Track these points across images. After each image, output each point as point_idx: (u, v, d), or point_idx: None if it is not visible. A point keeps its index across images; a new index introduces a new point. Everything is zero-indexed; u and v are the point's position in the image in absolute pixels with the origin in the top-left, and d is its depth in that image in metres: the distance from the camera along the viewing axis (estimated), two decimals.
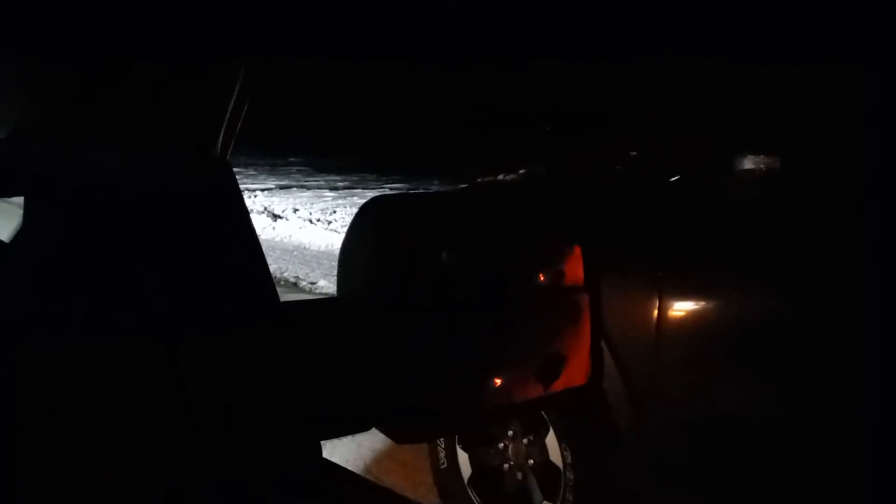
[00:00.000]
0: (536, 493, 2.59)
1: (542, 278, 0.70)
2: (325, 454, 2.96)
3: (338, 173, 15.28)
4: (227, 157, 0.74)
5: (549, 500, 2.54)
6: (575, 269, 0.71)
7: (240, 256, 0.65)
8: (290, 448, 0.60)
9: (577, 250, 0.72)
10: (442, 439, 2.81)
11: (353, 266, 0.65)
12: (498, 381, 0.68)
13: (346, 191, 13.21)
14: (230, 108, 0.72)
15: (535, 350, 0.70)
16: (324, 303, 0.68)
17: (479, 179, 3.04)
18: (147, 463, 0.54)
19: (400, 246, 0.63)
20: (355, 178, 14.57)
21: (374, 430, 0.70)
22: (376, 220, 0.65)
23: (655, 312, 2.20)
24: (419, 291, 0.63)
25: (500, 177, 2.95)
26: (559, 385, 0.71)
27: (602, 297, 2.32)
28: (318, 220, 10.02)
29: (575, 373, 0.72)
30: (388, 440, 3.67)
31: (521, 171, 2.90)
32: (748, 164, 2.00)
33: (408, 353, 0.62)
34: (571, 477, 2.42)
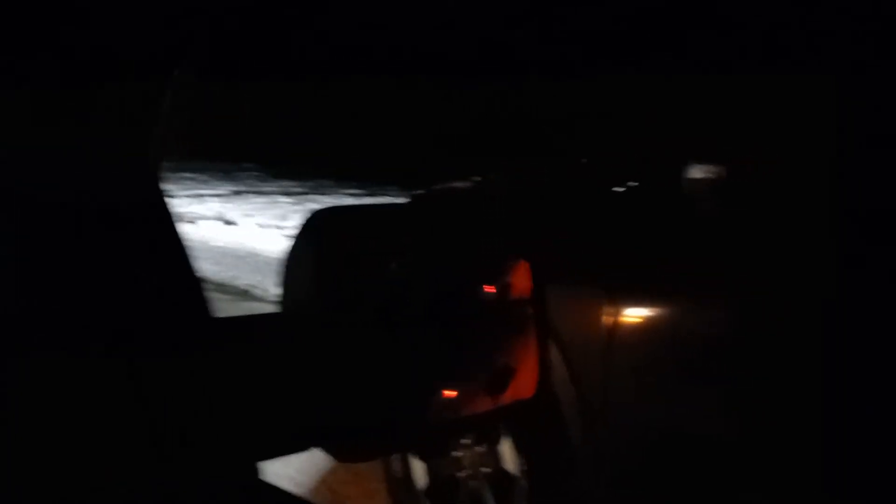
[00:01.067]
0: (491, 502, 2.59)
1: (489, 291, 0.70)
2: (279, 464, 2.91)
3: (293, 179, 15.15)
4: (159, 165, 0.71)
5: None
6: (522, 282, 0.72)
7: (172, 270, 0.64)
8: (228, 467, 0.58)
9: (524, 263, 0.72)
10: None
11: (297, 279, 0.64)
12: (446, 396, 0.67)
13: (302, 196, 13.11)
14: (161, 117, 0.69)
15: (484, 363, 0.70)
16: (265, 318, 0.66)
17: (434, 187, 3.03)
18: (112, 478, 0.53)
19: (346, 259, 0.62)
20: (311, 184, 14.47)
21: None
22: (322, 231, 0.64)
23: (608, 321, 2.22)
24: (366, 306, 0.62)
25: (456, 184, 2.94)
26: (508, 398, 0.71)
27: (553, 306, 2.32)
28: (273, 227, 9.91)
29: (523, 385, 0.72)
30: None
31: (477, 179, 2.89)
32: (698, 173, 2.02)
33: (353, 370, 0.61)
34: (526, 485, 2.42)
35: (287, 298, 0.64)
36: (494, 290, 0.70)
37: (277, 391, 0.60)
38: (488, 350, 0.71)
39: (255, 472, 0.60)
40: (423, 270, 0.67)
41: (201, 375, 0.57)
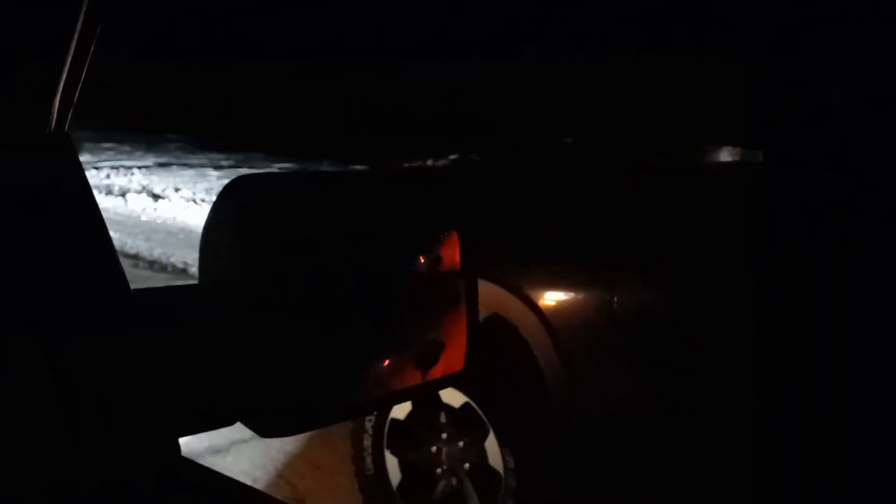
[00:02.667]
0: (473, 499, 2.45)
1: (420, 263, 0.69)
2: (231, 458, 2.69)
3: (221, 151, 14.66)
4: (65, 130, 0.66)
5: None
6: (452, 255, 0.70)
7: (89, 245, 0.60)
8: (149, 446, 0.57)
9: (455, 235, 0.70)
10: (369, 444, 2.63)
11: (215, 251, 0.60)
12: (376, 372, 0.67)
13: (232, 170, 12.68)
14: (63, 76, 0.64)
15: (415, 338, 0.70)
16: (185, 290, 0.62)
17: (405, 164, 2.85)
18: (30, 463, 0.52)
19: (269, 231, 0.58)
20: (240, 157, 14.02)
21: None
22: (242, 203, 0.59)
23: (609, 313, 2.09)
24: (291, 284, 0.59)
25: (430, 162, 2.77)
26: (438, 371, 0.71)
27: (544, 293, 2.21)
28: (203, 201, 9.53)
29: (453, 358, 0.71)
30: (300, 441, 3.43)
31: (453, 157, 2.73)
32: (726, 155, 1.91)
33: (276, 346, 0.58)
34: (513, 483, 2.29)
35: (206, 273, 0.61)
36: (425, 264, 0.69)
37: (196, 365, 0.58)
38: (419, 324, 0.71)
39: (176, 448, 0.58)
40: (352, 246, 0.65)
41: (119, 351, 0.56)
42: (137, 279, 5.78)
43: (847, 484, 1.89)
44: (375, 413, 2.62)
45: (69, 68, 0.63)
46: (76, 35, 0.62)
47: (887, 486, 1.85)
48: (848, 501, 1.91)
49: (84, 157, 13.11)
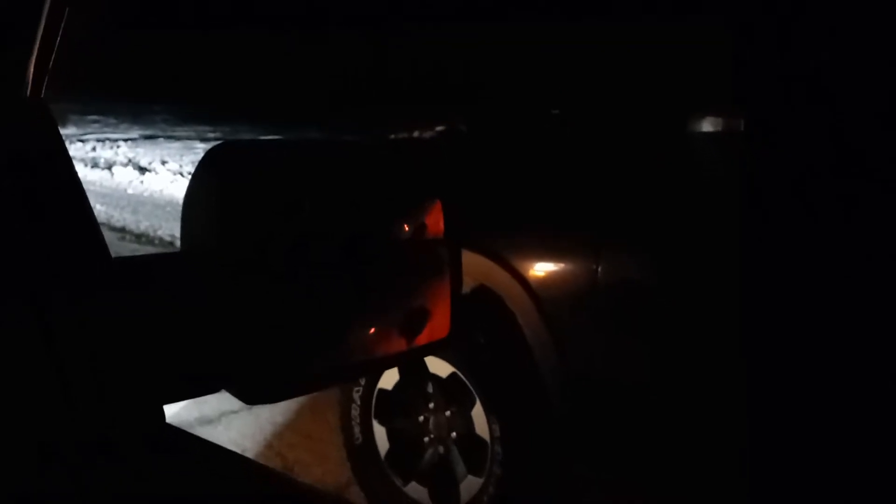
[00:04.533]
0: (460, 467, 2.49)
1: (405, 230, 0.70)
2: (221, 428, 2.70)
3: (207, 123, 14.53)
4: (41, 95, 0.67)
5: (473, 475, 2.44)
6: (436, 222, 0.71)
7: (70, 211, 0.60)
8: (133, 410, 0.58)
9: (438, 203, 0.71)
10: (357, 414, 2.65)
11: (197, 220, 0.60)
12: (360, 338, 0.67)
13: (217, 142, 12.57)
14: (37, 42, 0.64)
15: (399, 305, 0.71)
16: (167, 258, 0.63)
17: (392, 136, 2.84)
18: (19, 422, 0.53)
19: (250, 197, 0.58)
20: (227, 129, 13.90)
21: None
22: (222, 169, 0.59)
23: (593, 281, 2.11)
24: (273, 249, 0.60)
25: (416, 133, 2.77)
26: (423, 339, 0.71)
27: (530, 261, 2.22)
28: (190, 174, 9.47)
29: (438, 326, 0.72)
30: (289, 412, 3.43)
31: (440, 129, 2.73)
32: (715, 126, 1.92)
33: (259, 312, 0.59)
34: (500, 451, 2.32)
35: (188, 239, 0.61)
36: (409, 231, 0.70)
37: (179, 333, 0.59)
38: (403, 291, 0.71)
39: (161, 414, 0.59)
40: (335, 212, 0.65)
41: (104, 319, 0.57)
42: (124, 252, 5.77)
43: (838, 468, 1.89)
44: (363, 383, 2.65)
45: (42, 34, 0.63)
46: (48, 2, 0.62)
47: (886, 487, 1.85)
48: (839, 483, 1.92)
49: (69, 130, 12.98)
